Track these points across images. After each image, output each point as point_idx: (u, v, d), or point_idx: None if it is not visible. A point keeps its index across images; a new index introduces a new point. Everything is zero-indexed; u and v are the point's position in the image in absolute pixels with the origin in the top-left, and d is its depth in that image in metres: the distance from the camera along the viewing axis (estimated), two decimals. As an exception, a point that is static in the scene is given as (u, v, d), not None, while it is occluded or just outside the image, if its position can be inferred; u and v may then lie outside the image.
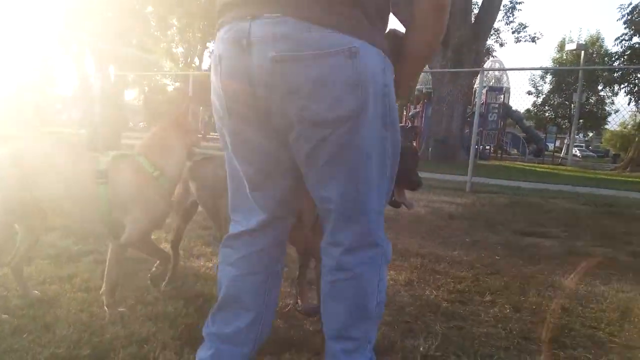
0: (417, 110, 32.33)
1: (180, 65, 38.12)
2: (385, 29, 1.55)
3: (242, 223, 1.72)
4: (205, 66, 40.79)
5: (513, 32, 27.93)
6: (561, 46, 46.54)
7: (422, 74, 27.53)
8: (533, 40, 28.29)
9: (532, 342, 2.42)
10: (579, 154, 40.73)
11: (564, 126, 44.85)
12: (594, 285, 3.40)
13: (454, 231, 5.04)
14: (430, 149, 18.77)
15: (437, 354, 2.22)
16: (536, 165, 23.23)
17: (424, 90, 31.40)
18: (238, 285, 1.71)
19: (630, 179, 14.87)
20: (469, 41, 18.90)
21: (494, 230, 5.24)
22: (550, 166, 22.30)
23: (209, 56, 40.79)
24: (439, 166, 13.20)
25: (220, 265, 1.76)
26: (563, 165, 24.88)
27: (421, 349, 2.24)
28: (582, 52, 25.95)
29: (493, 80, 29.07)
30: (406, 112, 36.30)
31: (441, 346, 2.28)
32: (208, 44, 39.31)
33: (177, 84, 37.38)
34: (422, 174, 2.02)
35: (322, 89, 1.39)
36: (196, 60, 40.95)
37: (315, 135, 1.45)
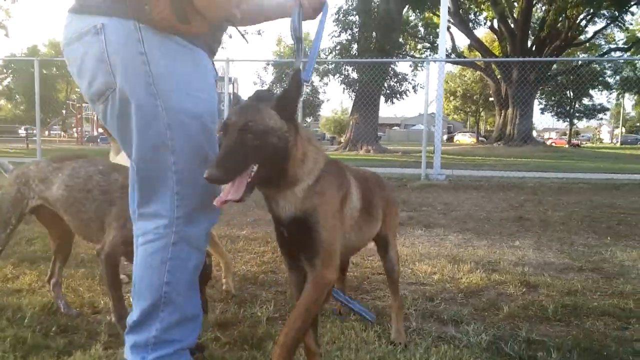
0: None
1: None
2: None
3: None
4: None
5: (240, 25, 29.31)
6: (279, 40, 50.58)
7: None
8: (259, 33, 30.15)
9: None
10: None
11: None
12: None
13: (234, 214, 5.31)
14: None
15: (276, 315, 2.47)
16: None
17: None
18: None
19: (351, 157, 17.24)
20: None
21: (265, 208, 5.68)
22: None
23: None
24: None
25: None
26: (292, 149, 27.28)
27: (260, 314, 2.46)
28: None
29: (221, 70, 29.94)
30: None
31: (277, 309, 2.54)
32: None
33: None
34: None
35: (82, 67, 1.53)
36: None
37: (98, 111, 1.58)
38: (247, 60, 25.65)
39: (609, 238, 4.39)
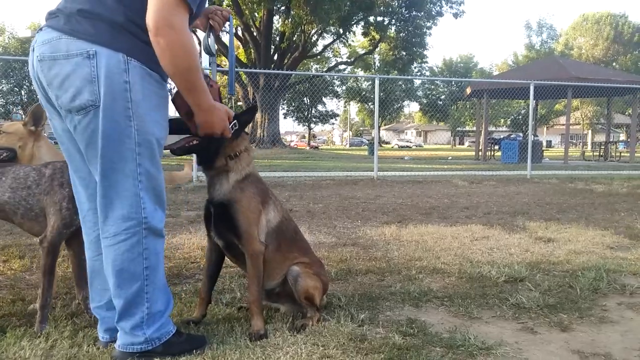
0: None
1: None
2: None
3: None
4: None
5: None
6: (1, 30, 44.73)
7: None
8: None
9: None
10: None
11: (13, 112, 43.64)
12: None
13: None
14: None
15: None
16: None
17: None
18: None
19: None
20: None
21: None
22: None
23: None
24: None
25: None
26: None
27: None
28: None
29: None
30: None
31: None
32: None
33: None
34: None
35: (66, 82, 1.79)
36: None
37: (71, 120, 1.83)
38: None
39: (359, 221, 5.65)
